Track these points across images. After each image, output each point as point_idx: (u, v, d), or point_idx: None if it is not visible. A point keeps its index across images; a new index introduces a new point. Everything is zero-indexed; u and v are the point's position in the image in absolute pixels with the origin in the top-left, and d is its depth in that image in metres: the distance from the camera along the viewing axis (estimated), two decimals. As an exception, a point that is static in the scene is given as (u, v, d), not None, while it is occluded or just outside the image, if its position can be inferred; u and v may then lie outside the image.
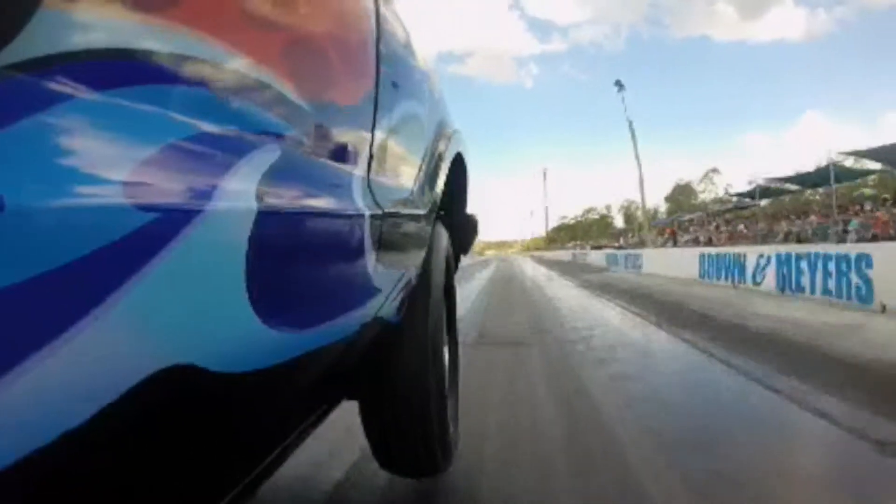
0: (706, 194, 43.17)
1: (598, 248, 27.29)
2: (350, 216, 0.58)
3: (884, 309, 4.02)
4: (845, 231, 10.82)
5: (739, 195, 18.91)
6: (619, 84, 21.37)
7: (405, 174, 0.87)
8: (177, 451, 0.37)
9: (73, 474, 0.29)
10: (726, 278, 7.15)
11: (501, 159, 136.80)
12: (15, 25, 0.24)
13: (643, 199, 21.95)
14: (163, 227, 0.30)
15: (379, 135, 0.72)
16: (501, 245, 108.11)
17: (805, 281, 5.22)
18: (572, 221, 66.07)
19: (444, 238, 1.15)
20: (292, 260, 0.47)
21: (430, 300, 0.95)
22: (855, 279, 4.46)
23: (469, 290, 7.15)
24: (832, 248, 5.18)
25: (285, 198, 0.46)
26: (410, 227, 0.86)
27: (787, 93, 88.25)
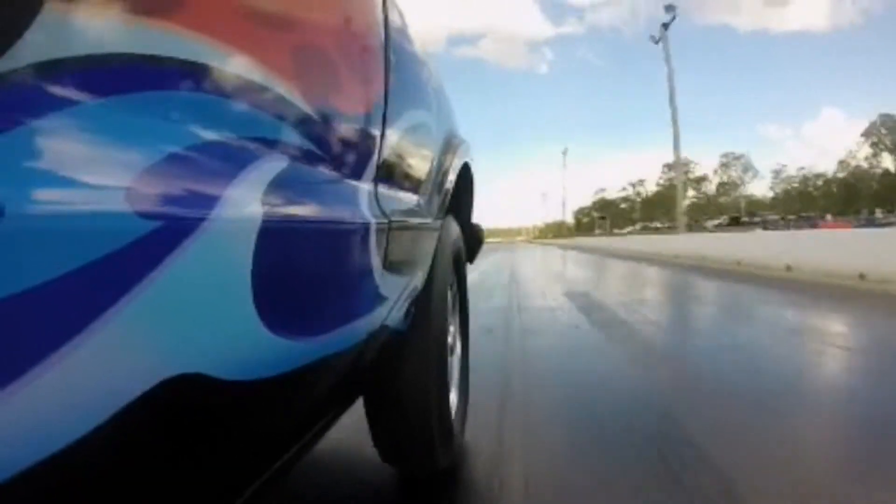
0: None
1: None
2: (357, 225, 0.58)
3: None
4: None
5: None
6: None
7: (413, 184, 0.87)
8: (185, 458, 0.37)
9: (79, 485, 0.28)
10: None
11: (512, 144, 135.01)
12: (15, 30, 0.23)
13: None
14: (168, 235, 0.30)
15: (387, 144, 0.71)
16: (507, 233, 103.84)
17: None
18: (616, 197, 53.09)
19: (452, 240, 1.13)
20: (298, 268, 0.46)
21: (435, 307, 0.95)
22: None
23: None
24: None
25: (292, 206, 0.46)
26: (417, 236, 0.86)
27: (806, 85, 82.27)
